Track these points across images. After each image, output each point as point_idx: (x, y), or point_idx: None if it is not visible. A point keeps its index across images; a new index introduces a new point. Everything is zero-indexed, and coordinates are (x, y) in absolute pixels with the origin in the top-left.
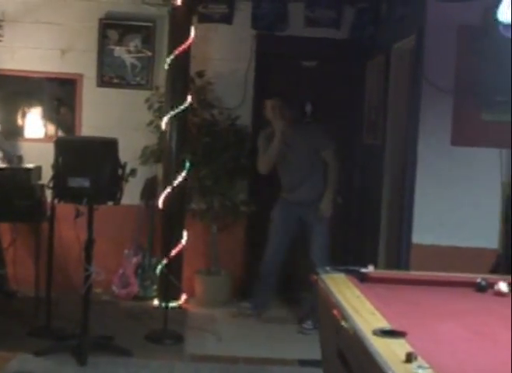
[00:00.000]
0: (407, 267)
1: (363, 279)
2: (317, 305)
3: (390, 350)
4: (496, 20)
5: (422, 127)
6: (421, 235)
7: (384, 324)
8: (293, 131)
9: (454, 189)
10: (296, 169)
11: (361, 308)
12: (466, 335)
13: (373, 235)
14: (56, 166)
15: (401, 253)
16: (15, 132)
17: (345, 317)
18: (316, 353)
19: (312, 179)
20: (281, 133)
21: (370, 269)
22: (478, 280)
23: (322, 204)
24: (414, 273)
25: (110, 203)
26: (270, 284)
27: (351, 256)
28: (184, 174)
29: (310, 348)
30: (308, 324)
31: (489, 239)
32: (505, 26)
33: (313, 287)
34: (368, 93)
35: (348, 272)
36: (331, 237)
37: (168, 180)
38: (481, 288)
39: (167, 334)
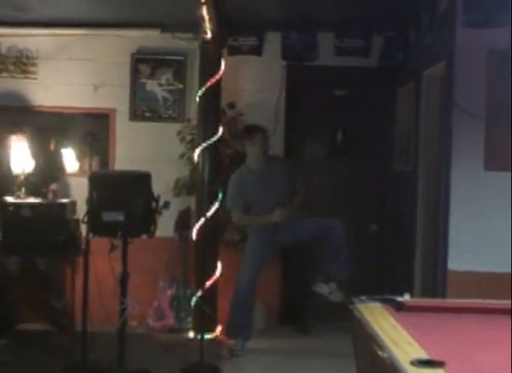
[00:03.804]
0: (443, 294)
1: (399, 308)
2: (353, 335)
3: None
4: None
5: (455, 152)
6: (456, 262)
7: (422, 354)
8: (267, 166)
9: (488, 214)
10: (270, 198)
11: (398, 338)
12: (505, 363)
13: (407, 262)
14: (90, 201)
15: (437, 280)
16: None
17: (382, 347)
18: None
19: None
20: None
21: (406, 297)
22: None
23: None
24: (450, 301)
25: (144, 236)
26: (250, 309)
27: (386, 284)
28: (216, 205)
29: None
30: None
31: None
32: None
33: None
34: (399, 120)
35: (384, 301)
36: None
37: (201, 211)
38: None
39: (203, 366)
